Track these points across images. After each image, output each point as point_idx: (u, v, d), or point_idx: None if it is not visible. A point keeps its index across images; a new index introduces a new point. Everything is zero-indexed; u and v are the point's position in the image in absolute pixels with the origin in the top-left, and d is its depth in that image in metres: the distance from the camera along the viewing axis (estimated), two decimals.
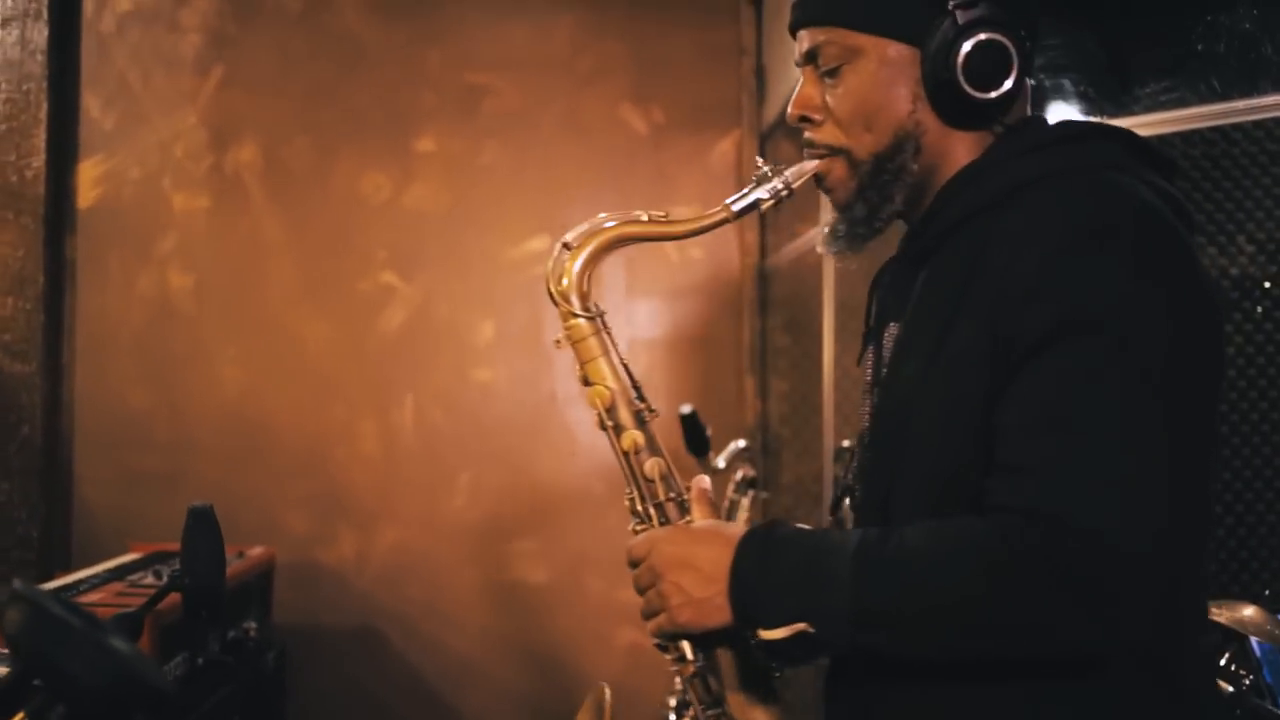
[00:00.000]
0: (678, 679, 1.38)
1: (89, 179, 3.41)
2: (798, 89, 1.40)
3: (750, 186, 1.39)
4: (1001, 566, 1.12)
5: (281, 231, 3.46)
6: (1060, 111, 2.57)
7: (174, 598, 1.43)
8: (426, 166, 3.51)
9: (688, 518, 1.39)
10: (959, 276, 1.26)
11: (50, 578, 2.84)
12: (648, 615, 1.33)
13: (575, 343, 1.42)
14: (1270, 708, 2.00)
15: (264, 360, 3.45)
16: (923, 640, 1.18)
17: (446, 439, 3.48)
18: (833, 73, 1.36)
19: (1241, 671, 2.06)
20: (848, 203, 1.38)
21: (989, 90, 1.29)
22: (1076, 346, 1.14)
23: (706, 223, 1.40)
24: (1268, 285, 2.67)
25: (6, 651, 1.98)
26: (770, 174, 1.38)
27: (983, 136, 1.35)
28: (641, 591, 1.34)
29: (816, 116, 1.38)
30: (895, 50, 1.33)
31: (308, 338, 3.46)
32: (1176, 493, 1.13)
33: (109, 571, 2.70)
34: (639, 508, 1.41)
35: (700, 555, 1.28)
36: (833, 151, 1.38)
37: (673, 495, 1.40)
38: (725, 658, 1.35)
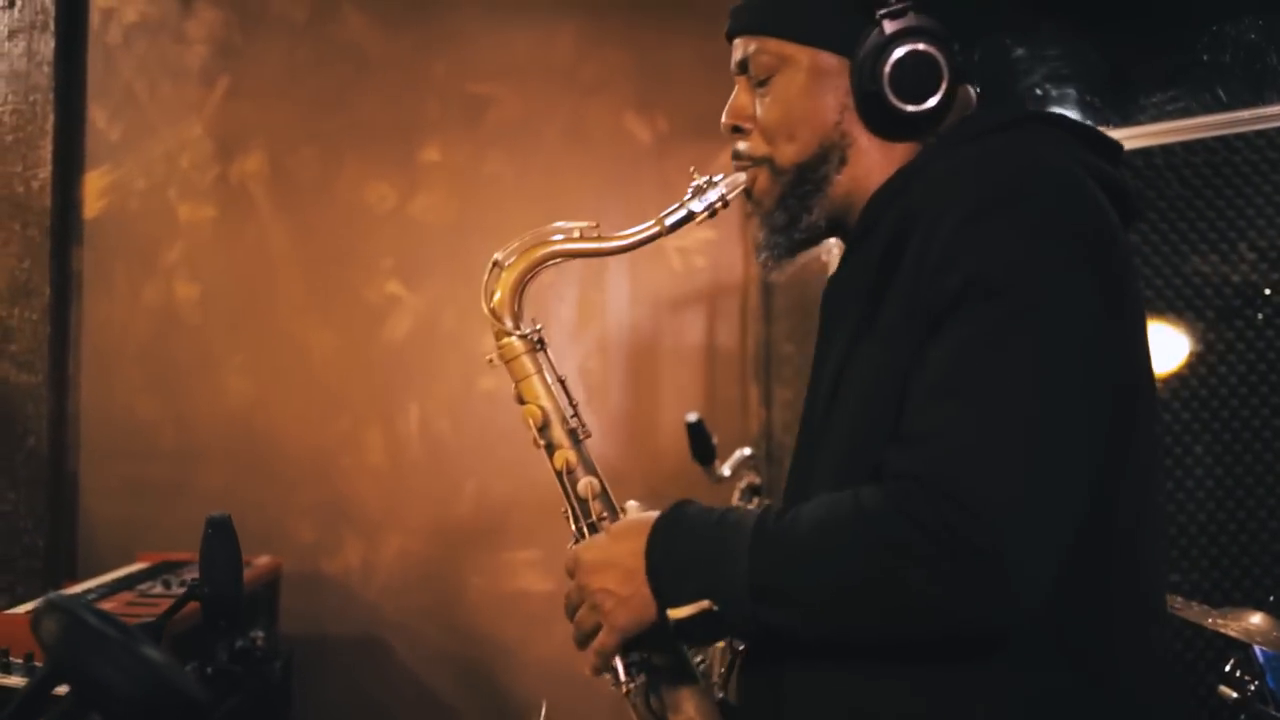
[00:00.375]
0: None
1: (95, 190, 3.42)
2: (732, 97, 1.39)
3: (686, 198, 1.38)
4: (889, 535, 1.09)
5: (287, 241, 3.47)
6: None
7: (188, 606, 1.44)
8: (431, 176, 3.52)
9: None
10: (879, 258, 1.24)
11: (57, 587, 2.84)
12: (583, 639, 1.30)
13: (508, 361, 1.44)
14: (1274, 713, 2.01)
15: (270, 370, 3.46)
16: (820, 613, 1.16)
17: (452, 448, 3.49)
18: (763, 82, 1.35)
19: (1246, 678, 2.08)
20: (769, 210, 1.37)
21: (917, 102, 1.27)
22: (977, 313, 1.12)
23: (639, 237, 1.40)
24: (1268, 292, 2.68)
25: (20, 661, 1.99)
26: (706, 186, 1.38)
27: (913, 148, 1.32)
28: (573, 613, 1.31)
29: (747, 126, 1.38)
30: (825, 60, 1.32)
31: (313, 347, 3.47)
32: (1069, 467, 1.10)
33: (117, 581, 2.70)
34: (574, 526, 1.42)
35: (619, 551, 1.27)
36: (756, 162, 1.37)
37: (606, 515, 1.40)
38: (670, 672, 1.34)
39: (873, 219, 1.31)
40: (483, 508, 3.49)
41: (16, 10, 3.28)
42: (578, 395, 1.49)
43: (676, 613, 1.20)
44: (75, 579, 3.03)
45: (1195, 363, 2.71)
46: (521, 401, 1.45)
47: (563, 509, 1.44)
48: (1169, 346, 2.71)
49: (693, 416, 2.96)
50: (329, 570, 3.45)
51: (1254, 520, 2.71)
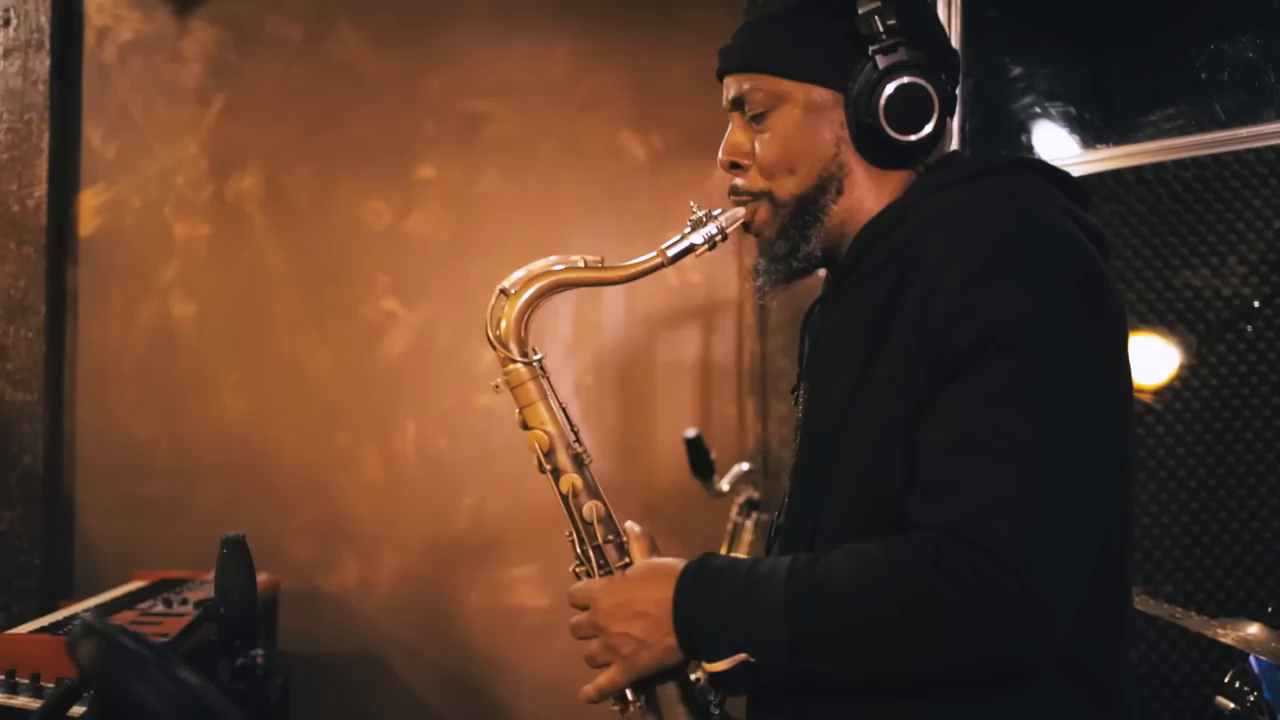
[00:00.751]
0: None
1: (90, 208, 3.42)
2: (727, 134, 1.44)
3: (686, 230, 1.42)
4: (924, 586, 1.14)
5: (283, 259, 3.48)
6: (1059, 139, 2.60)
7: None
8: (427, 193, 3.53)
9: (625, 559, 1.41)
10: (881, 302, 1.29)
11: (54, 607, 2.83)
12: (594, 666, 1.35)
13: (514, 387, 1.47)
14: None
15: (266, 387, 3.46)
16: (860, 662, 1.20)
17: (449, 464, 3.49)
18: (759, 118, 1.39)
19: (1245, 689, 2.10)
20: (770, 240, 1.42)
21: (911, 132, 1.33)
22: (993, 366, 1.17)
23: (643, 268, 1.44)
24: (1258, 305, 2.71)
25: (26, 681, 1.99)
26: (705, 219, 1.42)
27: (906, 176, 1.38)
28: (581, 637, 1.36)
29: (745, 162, 1.42)
30: (819, 95, 1.36)
31: (310, 364, 3.48)
32: (1090, 508, 1.17)
33: (117, 600, 2.70)
34: (579, 549, 1.44)
35: (643, 599, 1.31)
36: (755, 196, 1.42)
37: (611, 538, 1.43)
38: (667, 691, 1.37)
39: (863, 250, 1.36)
40: (480, 524, 3.50)
41: (12, 29, 3.28)
42: (574, 412, 1.51)
43: (714, 666, 1.23)
44: (72, 598, 3.02)
45: (1187, 376, 2.73)
46: (526, 427, 1.47)
47: (566, 531, 1.46)
48: (1160, 360, 2.74)
49: (691, 432, 2.98)
50: (327, 587, 3.44)
51: (1246, 532, 2.73)
